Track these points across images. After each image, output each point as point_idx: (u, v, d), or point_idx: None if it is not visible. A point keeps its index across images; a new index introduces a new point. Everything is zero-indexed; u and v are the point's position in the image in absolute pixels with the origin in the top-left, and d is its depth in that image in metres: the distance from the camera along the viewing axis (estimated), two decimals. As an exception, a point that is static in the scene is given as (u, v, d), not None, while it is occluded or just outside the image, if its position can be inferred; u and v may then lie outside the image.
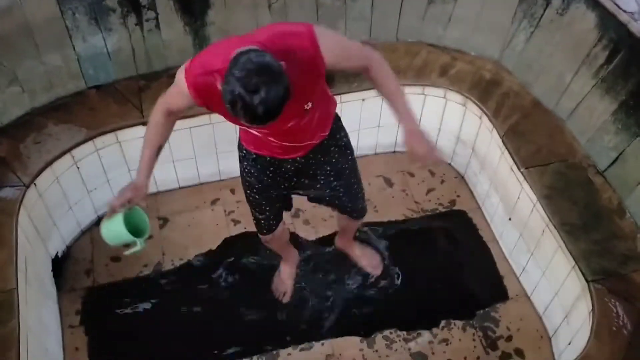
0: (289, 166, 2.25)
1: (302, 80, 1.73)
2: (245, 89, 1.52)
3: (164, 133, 2.06)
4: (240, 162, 2.35)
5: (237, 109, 1.56)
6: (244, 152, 2.30)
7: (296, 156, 2.20)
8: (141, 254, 2.12)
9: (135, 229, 2.01)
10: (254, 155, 2.25)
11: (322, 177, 2.33)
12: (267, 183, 2.33)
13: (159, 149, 2.07)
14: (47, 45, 2.84)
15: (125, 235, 1.98)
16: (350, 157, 2.35)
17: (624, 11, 2.61)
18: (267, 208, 2.46)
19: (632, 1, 2.60)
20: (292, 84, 1.62)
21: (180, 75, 1.84)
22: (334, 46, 1.81)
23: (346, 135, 2.32)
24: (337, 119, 2.28)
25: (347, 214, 2.61)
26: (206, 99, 1.83)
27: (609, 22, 2.65)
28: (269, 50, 1.63)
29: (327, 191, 2.40)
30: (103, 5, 2.84)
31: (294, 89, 1.63)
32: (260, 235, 2.66)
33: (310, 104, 1.92)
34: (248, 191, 2.41)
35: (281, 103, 1.58)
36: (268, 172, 2.29)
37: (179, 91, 1.87)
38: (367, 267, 3.05)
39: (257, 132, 2.04)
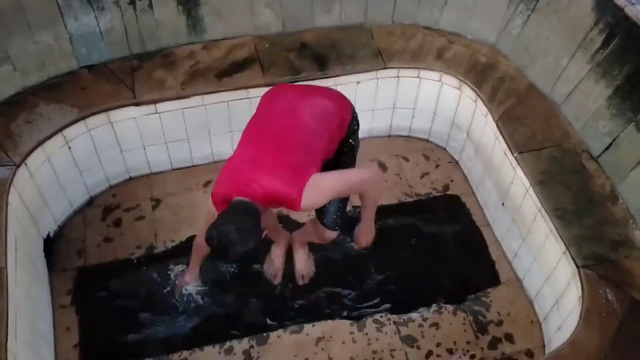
0: None
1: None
2: (219, 240, 1.97)
3: None
4: None
5: (210, 246, 2.01)
6: None
7: None
8: None
9: None
10: None
11: None
12: None
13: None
14: (39, 24, 2.81)
15: None
16: (349, 159, 2.53)
17: (621, -5, 2.59)
18: None
19: (629, -15, 2.58)
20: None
21: (210, 205, 2.21)
22: (315, 201, 2.11)
23: (358, 124, 2.51)
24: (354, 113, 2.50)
25: (318, 216, 2.60)
26: None
27: (605, 6, 2.63)
28: (262, 196, 2.03)
29: None
30: (95, -17, 2.83)
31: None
32: None
33: None
34: None
35: (245, 256, 2.00)
36: None
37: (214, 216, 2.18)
38: (297, 272, 3.00)
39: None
